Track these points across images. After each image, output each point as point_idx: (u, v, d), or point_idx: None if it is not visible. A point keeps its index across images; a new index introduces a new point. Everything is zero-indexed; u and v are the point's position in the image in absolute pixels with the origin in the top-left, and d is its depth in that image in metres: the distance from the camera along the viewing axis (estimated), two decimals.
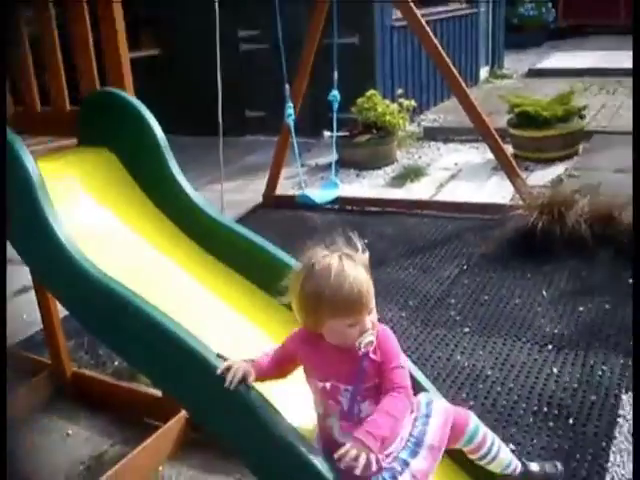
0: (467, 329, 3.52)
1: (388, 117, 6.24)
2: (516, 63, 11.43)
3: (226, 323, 2.08)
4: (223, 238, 2.24)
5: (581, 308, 3.64)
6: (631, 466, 2.56)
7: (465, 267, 4.23)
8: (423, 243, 4.66)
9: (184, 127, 6.58)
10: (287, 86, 4.48)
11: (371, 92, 6.33)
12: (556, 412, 2.85)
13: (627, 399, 2.91)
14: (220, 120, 2.85)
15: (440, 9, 8.60)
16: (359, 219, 5.13)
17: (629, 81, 9.06)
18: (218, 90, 2.83)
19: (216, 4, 3.55)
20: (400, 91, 6.88)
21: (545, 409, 2.87)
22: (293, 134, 4.76)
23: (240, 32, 7.36)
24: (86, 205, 2.19)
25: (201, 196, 2.35)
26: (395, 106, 6.44)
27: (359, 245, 1.64)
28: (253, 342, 2.01)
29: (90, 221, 2.15)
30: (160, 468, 2.69)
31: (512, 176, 4.84)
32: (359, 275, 1.56)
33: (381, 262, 4.37)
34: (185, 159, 2.74)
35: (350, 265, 1.56)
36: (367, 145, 6.30)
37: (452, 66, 4.90)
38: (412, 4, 4.68)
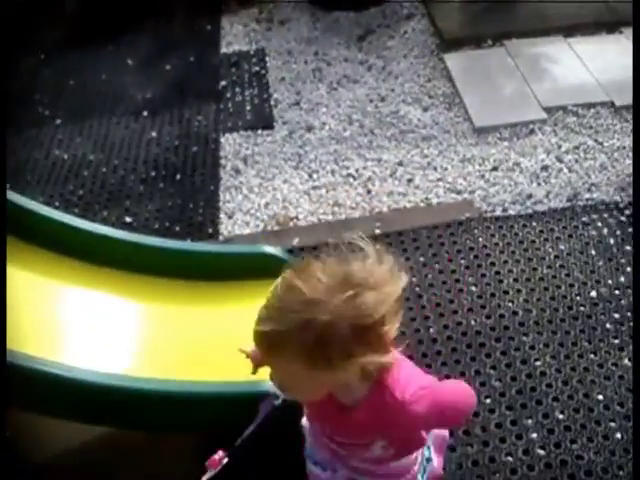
0: (59, 121, 3.28)
1: None
2: None
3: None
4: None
5: (168, 67, 3.60)
6: (240, 198, 2.77)
7: (43, 56, 3.82)
8: None
9: None
10: None
11: None
12: (164, 173, 2.90)
13: (225, 141, 3.06)
14: None
15: None
16: None
17: None
18: None
19: None
20: None
21: (153, 173, 2.90)
22: None
23: None
24: None
25: None
26: None
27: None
28: None
29: None
30: None
31: None
32: None
33: None
34: None
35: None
36: None
37: None
38: None
